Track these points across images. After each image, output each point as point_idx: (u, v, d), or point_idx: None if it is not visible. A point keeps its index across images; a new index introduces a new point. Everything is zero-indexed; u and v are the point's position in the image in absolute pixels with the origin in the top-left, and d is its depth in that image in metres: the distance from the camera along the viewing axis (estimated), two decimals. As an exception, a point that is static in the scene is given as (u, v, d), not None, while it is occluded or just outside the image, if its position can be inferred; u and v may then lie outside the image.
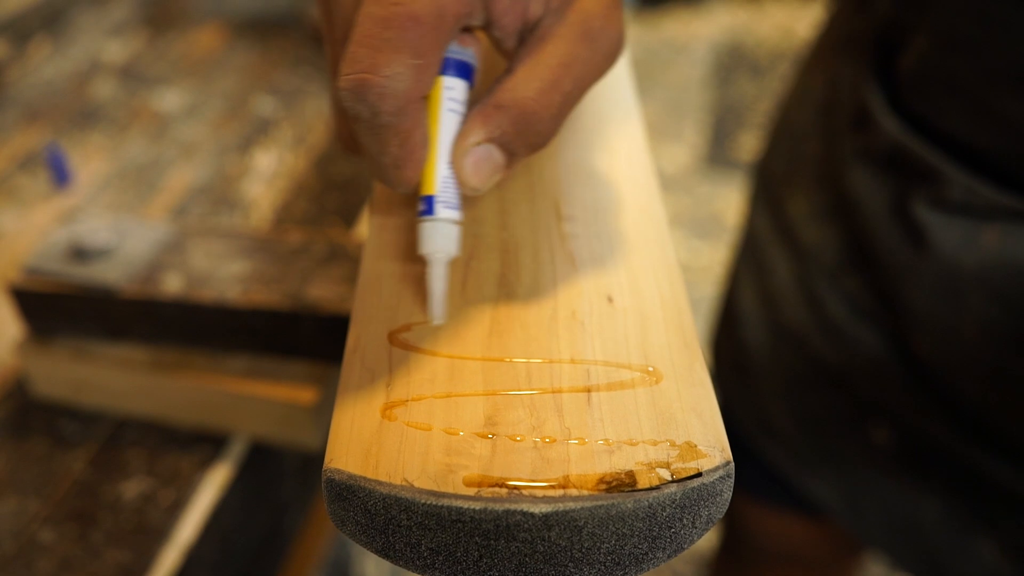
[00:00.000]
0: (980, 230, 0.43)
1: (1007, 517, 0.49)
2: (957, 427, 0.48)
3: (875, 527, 0.56)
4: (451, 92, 0.25)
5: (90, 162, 0.61)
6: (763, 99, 2.21)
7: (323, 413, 0.43)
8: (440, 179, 0.25)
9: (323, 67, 0.73)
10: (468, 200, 0.28)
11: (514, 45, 0.25)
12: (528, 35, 0.25)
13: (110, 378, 0.44)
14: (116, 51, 0.73)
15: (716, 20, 2.59)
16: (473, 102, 0.25)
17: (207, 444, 0.43)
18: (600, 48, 0.25)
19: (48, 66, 0.70)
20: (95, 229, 0.43)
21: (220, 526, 0.42)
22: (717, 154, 2.04)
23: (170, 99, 0.68)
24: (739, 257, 0.64)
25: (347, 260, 0.44)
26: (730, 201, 1.85)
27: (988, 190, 0.42)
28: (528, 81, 0.24)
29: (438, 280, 0.25)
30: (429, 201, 0.25)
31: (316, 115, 0.67)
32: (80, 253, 0.42)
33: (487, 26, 0.25)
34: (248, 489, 0.44)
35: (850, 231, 0.50)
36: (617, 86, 0.36)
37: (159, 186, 0.59)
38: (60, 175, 0.57)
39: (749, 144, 2.05)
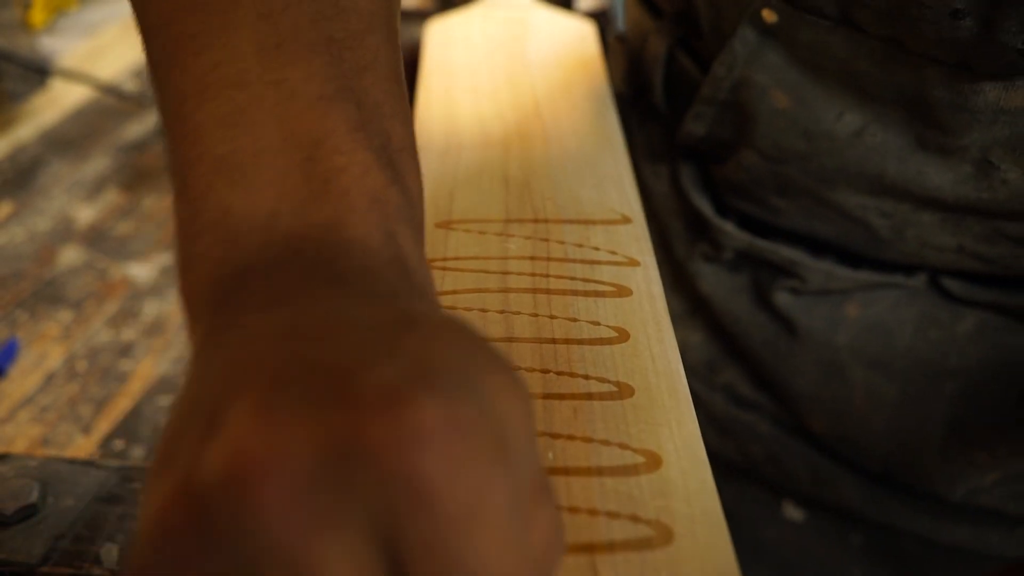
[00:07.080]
0: (842, 305, 0.45)
1: (936, 570, 0.48)
2: (867, 489, 0.49)
3: None
4: None
5: (44, 350, 0.53)
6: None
7: None
8: None
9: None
10: None
11: None
12: None
13: (27, 675, 0.35)
14: (85, 215, 0.66)
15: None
16: None
17: None
18: None
19: (6, 233, 0.64)
20: (15, 486, 0.35)
21: None
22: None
23: (140, 271, 0.61)
24: None
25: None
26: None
27: (846, 271, 0.44)
28: None
29: None
30: None
31: (302, 288, 0.60)
32: (-5, 517, 0.34)
33: None
34: None
35: (712, 330, 0.51)
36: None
37: (118, 379, 0.51)
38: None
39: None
